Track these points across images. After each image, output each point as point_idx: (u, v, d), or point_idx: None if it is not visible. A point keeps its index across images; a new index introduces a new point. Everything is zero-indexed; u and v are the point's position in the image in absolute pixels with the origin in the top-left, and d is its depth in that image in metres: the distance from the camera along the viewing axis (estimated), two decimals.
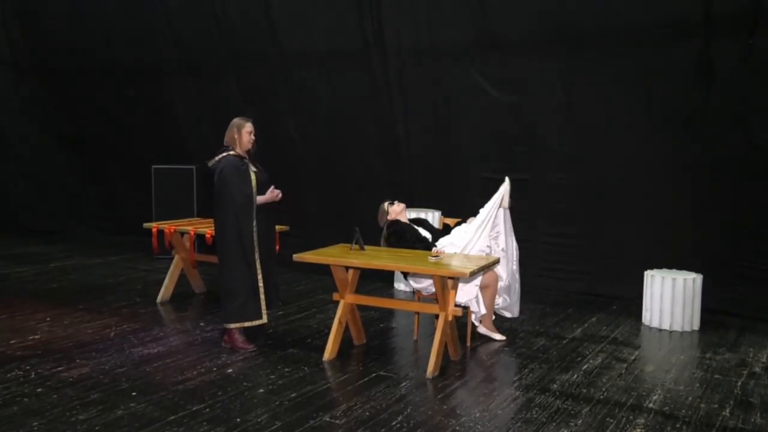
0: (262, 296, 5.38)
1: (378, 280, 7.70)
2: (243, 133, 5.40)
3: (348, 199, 8.69)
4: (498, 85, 7.57)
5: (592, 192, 7.34)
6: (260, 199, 5.37)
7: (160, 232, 6.90)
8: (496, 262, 5.46)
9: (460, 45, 7.64)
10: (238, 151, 5.40)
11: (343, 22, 8.23)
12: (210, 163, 5.42)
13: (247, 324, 5.39)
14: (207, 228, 6.62)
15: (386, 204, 6.03)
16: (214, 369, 5.02)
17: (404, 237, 5.80)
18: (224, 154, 5.37)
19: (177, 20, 9.50)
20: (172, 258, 7.17)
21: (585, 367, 5.24)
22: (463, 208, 7.19)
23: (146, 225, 7.09)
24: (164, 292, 7.02)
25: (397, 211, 5.98)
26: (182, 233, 6.95)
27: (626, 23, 6.78)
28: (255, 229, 5.31)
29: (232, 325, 5.40)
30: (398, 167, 8.34)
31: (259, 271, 5.34)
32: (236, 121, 5.45)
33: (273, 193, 5.45)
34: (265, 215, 5.46)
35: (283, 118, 8.95)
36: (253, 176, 5.36)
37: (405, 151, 8.26)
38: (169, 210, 8.82)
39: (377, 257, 5.28)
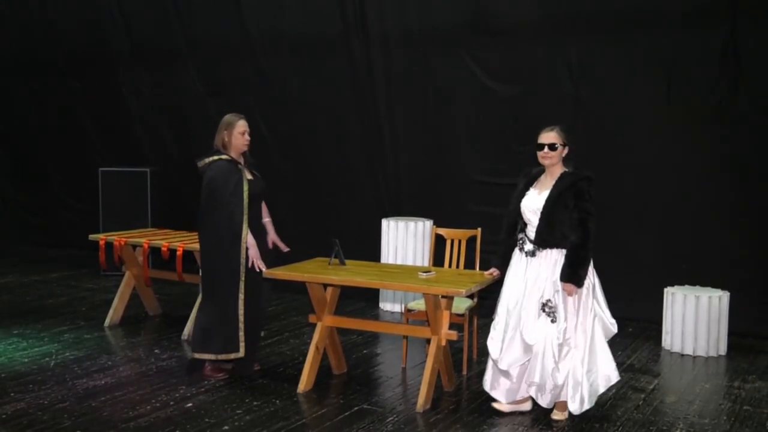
0: (242, 325, 5.33)
1: (361, 300, 7.69)
2: (235, 134, 5.32)
3: (325, 206, 8.68)
4: (496, 76, 7.61)
5: (604, 197, 7.32)
6: (251, 252, 5.27)
7: (109, 244, 6.86)
8: (492, 279, 5.13)
9: (453, 30, 7.67)
10: (231, 155, 5.35)
11: (319, 3, 8.25)
12: (199, 164, 5.36)
13: (232, 356, 5.37)
14: (162, 240, 6.59)
15: None
16: (171, 403, 4.99)
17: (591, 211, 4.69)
18: (215, 157, 5.30)
19: (128, 2, 9.47)
20: (123, 275, 7.14)
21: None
22: (458, 217, 7.22)
23: (92, 237, 7.06)
24: (113, 314, 6.98)
25: None
26: (134, 246, 6.92)
27: (643, 4, 6.85)
28: (244, 248, 5.26)
29: (207, 356, 5.37)
30: (383, 169, 8.35)
31: (241, 296, 5.30)
32: (226, 119, 5.37)
33: (257, 262, 5.33)
34: (259, 235, 5.42)
35: (251, 113, 8.90)
36: (245, 186, 5.27)
37: (390, 150, 8.27)
38: (119, 219, 8.77)
39: (360, 273, 5.27)
